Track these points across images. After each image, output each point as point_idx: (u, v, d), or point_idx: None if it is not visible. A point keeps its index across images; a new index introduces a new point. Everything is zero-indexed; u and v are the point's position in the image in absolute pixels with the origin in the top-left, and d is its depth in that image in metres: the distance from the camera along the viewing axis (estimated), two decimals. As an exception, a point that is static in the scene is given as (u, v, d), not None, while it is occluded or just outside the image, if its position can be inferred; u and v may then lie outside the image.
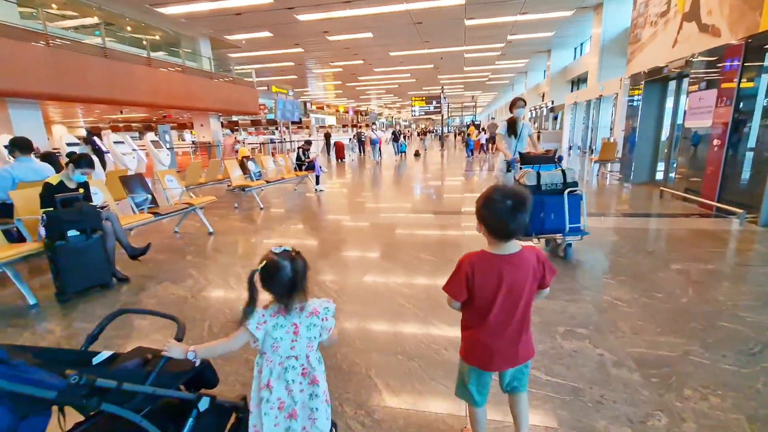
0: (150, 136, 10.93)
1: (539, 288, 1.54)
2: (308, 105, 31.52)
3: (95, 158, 5.63)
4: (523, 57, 23.34)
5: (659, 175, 8.24)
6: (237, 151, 8.93)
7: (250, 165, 7.53)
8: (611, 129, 13.31)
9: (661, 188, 7.01)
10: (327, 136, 21.49)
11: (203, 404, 1.45)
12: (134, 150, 10.31)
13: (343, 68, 24.28)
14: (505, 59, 23.32)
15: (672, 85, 7.85)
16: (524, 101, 5.18)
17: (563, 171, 4.27)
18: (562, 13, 16.27)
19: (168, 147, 12.22)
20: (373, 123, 17.29)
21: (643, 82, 8.14)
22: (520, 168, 4.68)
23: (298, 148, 9.23)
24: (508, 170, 5.02)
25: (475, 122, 22.22)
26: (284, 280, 1.39)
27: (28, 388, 1.08)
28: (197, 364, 1.45)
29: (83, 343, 1.47)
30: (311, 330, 1.46)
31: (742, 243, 4.67)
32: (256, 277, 1.39)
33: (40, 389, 1.10)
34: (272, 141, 21.09)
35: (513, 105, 5.13)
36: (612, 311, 3.07)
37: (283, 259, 1.40)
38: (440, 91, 21.12)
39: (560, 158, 4.72)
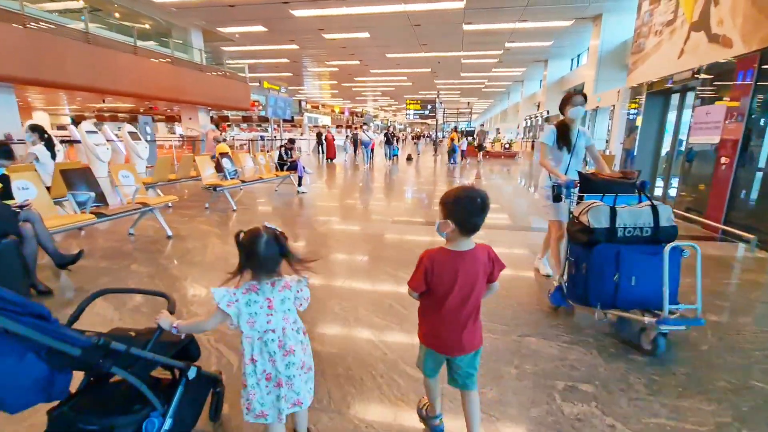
0: (128, 127, 10.18)
1: (488, 282, 1.66)
2: (303, 104, 30.85)
3: (43, 149, 4.95)
4: (520, 65, 22.95)
5: (658, 191, 7.77)
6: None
7: (225, 163, 6.88)
8: (607, 141, 12.86)
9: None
10: (319, 136, 20.84)
11: (192, 373, 1.56)
12: (110, 141, 9.56)
13: (339, 68, 23.67)
14: (502, 67, 22.91)
15: (675, 98, 7.38)
16: (585, 96, 3.47)
17: (653, 207, 2.63)
18: (561, 22, 15.89)
19: (149, 139, 11.48)
20: (365, 124, 16.13)
21: (644, 94, 7.67)
22: (579, 197, 3.01)
23: (280, 146, 8.58)
24: (558, 198, 3.12)
25: (458, 128, 21.50)
26: (258, 250, 1.45)
27: (61, 344, 1.20)
28: (182, 337, 1.58)
29: (66, 321, 1.48)
30: (285, 303, 1.55)
31: (757, 274, 4.15)
32: (243, 241, 1.48)
33: (70, 346, 1.21)
34: (262, 138, 20.35)
35: (567, 102, 3.42)
36: (621, 360, 2.50)
37: (265, 233, 1.48)
38: (435, 95, 20.60)
39: (645, 185, 2.86)
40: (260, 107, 22.65)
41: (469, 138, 20.00)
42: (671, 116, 7.41)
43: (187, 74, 16.90)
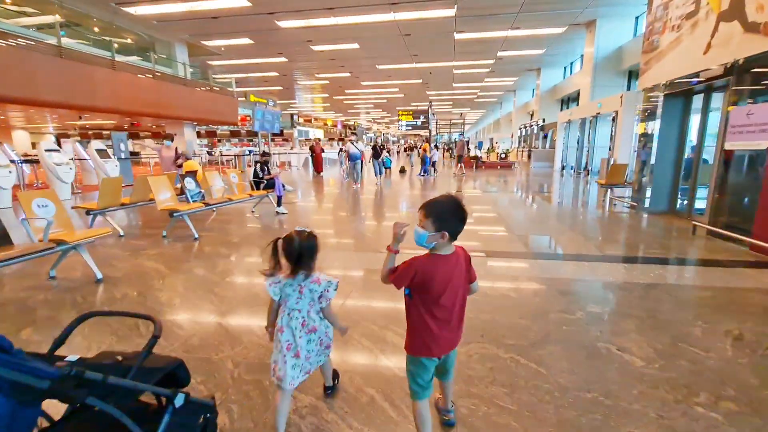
0: (95, 144, 9.08)
1: (471, 281, 1.75)
2: (295, 117, 29.91)
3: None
4: (512, 75, 22.17)
5: (683, 203, 6.74)
6: (181, 166, 7.13)
7: (187, 183, 5.78)
8: (610, 149, 11.90)
9: (694, 222, 5.46)
10: (312, 150, 19.62)
11: (179, 400, 1.43)
12: (82, 159, 8.43)
13: (329, 80, 22.79)
14: (494, 76, 22.13)
15: (697, 99, 6.40)
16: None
17: None
18: (554, 29, 15.11)
19: (121, 156, 10.37)
20: (354, 134, 14.69)
21: (662, 96, 6.69)
22: None
23: (255, 162, 7.45)
24: None
25: (429, 139, 20.06)
26: (293, 250, 1.79)
27: (25, 377, 1.09)
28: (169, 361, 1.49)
29: (49, 347, 1.41)
30: (312, 293, 1.86)
31: None
32: (280, 245, 1.81)
33: (35, 378, 1.10)
34: (251, 153, 19.25)
35: None
36: None
37: (298, 235, 1.81)
38: (428, 106, 19.69)
39: None
40: (251, 122, 21.63)
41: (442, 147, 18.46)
42: (694, 119, 6.42)
43: (171, 89, 15.86)
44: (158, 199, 5.36)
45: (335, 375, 2.24)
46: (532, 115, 24.51)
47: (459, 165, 17.31)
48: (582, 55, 18.40)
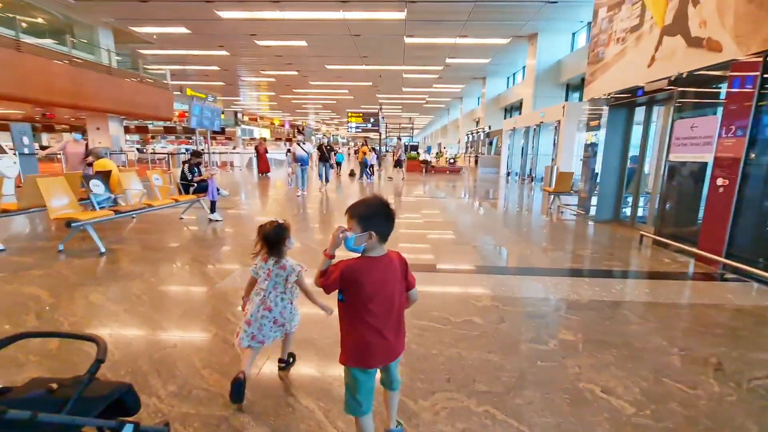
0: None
1: (409, 288, 1.63)
2: (239, 115, 28.14)
3: None
4: (459, 82, 22.45)
5: (626, 211, 6.82)
6: (91, 165, 5.92)
7: (93, 185, 4.73)
8: (554, 157, 12.19)
9: (641, 232, 5.44)
10: (256, 150, 18.36)
11: (127, 431, 1.27)
12: None
13: (276, 78, 21.62)
14: (442, 83, 22.27)
15: (639, 111, 6.50)
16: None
17: None
18: (499, 40, 15.38)
19: (26, 152, 8.74)
20: (300, 133, 13.05)
21: (606, 107, 6.73)
22: None
23: (184, 163, 6.43)
24: None
25: (367, 142, 19.17)
26: (266, 237, 2.11)
27: None
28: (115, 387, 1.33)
29: None
30: (278, 277, 2.16)
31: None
32: (257, 232, 2.13)
33: None
34: (188, 151, 17.53)
35: None
36: None
37: (270, 225, 2.11)
38: (378, 108, 19.27)
39: None
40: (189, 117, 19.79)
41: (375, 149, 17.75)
42: (636, 130, 6.51)
43: (92, 78, 13.98)
44: (51, 206, 4.25)
45: (291, 356, 2.43)
46: (477, 122, 25.04)
47: (396, 169, 16.63)
48: (524, 67, 19.02)
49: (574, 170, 9.77)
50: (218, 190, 6.34)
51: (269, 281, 2.15)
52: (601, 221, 6.80)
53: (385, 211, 1.52)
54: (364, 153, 15.71)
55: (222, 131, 24.85)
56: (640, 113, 6.46)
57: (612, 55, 6.49)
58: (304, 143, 10.45)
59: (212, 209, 6.32)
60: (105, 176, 5.42)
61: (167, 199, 5.76)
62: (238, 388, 1.97)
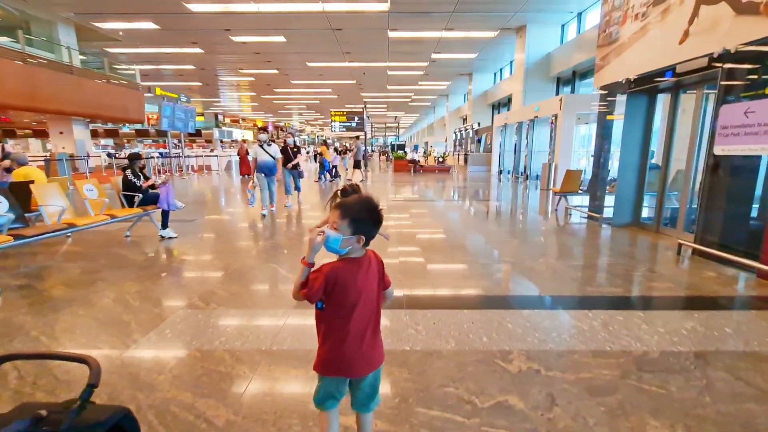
0: None
1: (385, 287, 1.49)
2: (220, 117, 26.62)
3: None
4: (445, 79, 21.43)
5: (647, 213, 5.83)
6: (10, 171, 4.67)
7: (-10, 203, 3.51)
8: (552, 153, 11.21)
9: (680, 241, 4.44)
10: (239, 152, 16.88)
11: None
12: None
13: (255, 77, 20.25)
14: (428, 80, 21.21)
15: (662, 98, 5.51)
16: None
17: None
18: (486, 33, 14.38)
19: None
20: (262, 130, 8.13)
21: (622, 95, 5.74)
22: None
23: (123, 169, 5.13)
24: None
25: (327, 141, 16.88)
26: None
27: None
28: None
29: None
30: None
31: None
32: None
33: None
34: (162, 155, 16.07)
35: None
36: None
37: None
38: (363, 107, 18.10)
39: None
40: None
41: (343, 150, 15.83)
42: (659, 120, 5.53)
43: (52, 78, 12.50)
44: None
45: None
46: (465, 120, 24.09)
47: (356, 170, 14.81)
48: (512, 62, 18.11)
49: (573, 167, 8.82)
50: (172, 201, 5.12)
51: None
52: (619, 225, 5.80)
53: (375, 215, 1.34)
54: (320, 154, 14.27)
55: (198, 133, 23.31)
56: (662, 101, 5.48)
57: (629, 34, 5.49)
58: (268, 144, 7.13)
59: (164, 223, 5.10)
60: (21, 189, 4.17)
61: (101, 216, 4.51)
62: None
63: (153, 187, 5.06)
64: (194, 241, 5.16)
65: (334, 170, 14.40)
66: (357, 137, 15.40)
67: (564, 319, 2.88)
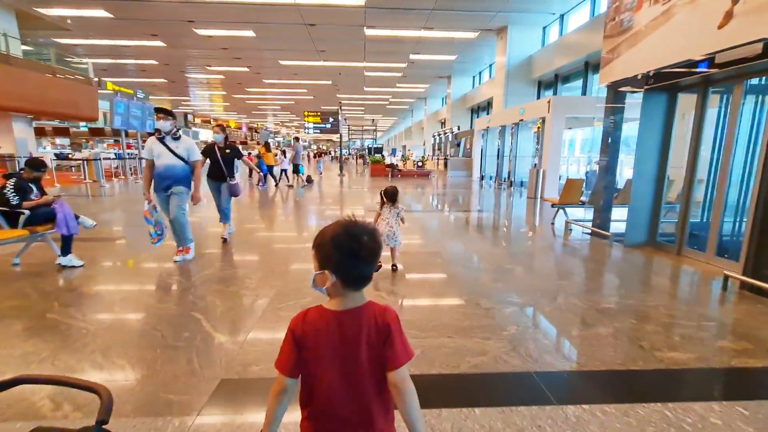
0: None
1: (390, 366, 0.90)
2: (189, 117, 24.65)
3: None
4: (424, 81, 20.45)
5: (665, 232, 4.88)
6: None
7: None
8: (539, 158, 10.30)
9: (726, 272, 3.47)
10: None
11: None
12: None
13: (225, 75, 18.63)
14: (406, 82, 20.18)
15: (683, 97, 4.59)
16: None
17: None
18: (466, 33, 13.45)
19: None
20: (165, 115, 3.87)
21: (636, 93, 4.80)
22: None
23: (6, 177, 3.64)
24: None
25: (268, 143, 14.83)
26: (388, 193, 3.81)
27: None
28: None
29: None
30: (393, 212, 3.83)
31: None
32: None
33: None
34: (119, 157, 14.19)
35: None
36: None
37: (391, 188, 3.85)
38: (338, 107, 16.84)
39: None
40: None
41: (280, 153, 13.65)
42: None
43: (-20, 67, 10.63)
44: None
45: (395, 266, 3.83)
46: (443, 123, 23.22)
47: (295, 176, 13.35)
48: (491, 65, 17.32)
49: (563, 174, 7.92)
50: (78, 218, 3.77)
51: (391, 215, 3.71)
52: (633, 245, 4.84)
53: (351, 245, 0.89)
54: (258, 156, 12.61)
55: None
56: (685, 100, 4.56)
57: (647, 20, 4.54)
58: (175, 136, 4.14)
59: (65, 249, 3.72)
60: None
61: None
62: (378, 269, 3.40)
63: (47, 204, 3.67)
64: (107, 273, 3.80)
65: (282, 174, 12.80)
66: (296, 138, 13.87)
67: (612, 424, 1.78)
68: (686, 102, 4.65)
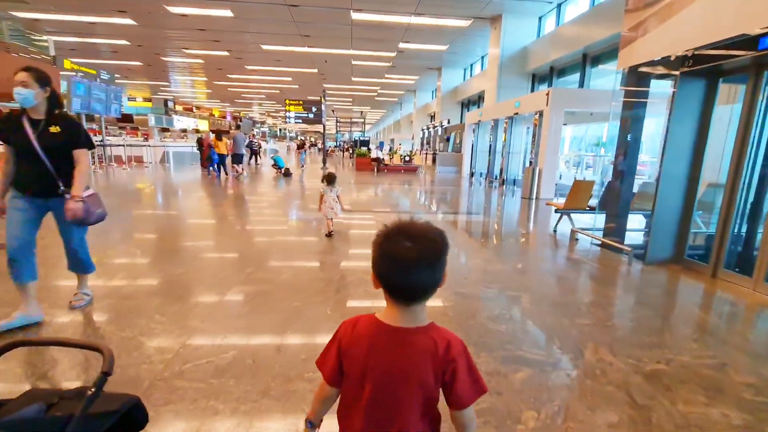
0: None
1: (454, 406, 0.79)
2: (170, 104, 23.02)
3: None
4: (413, 73, 19.29)
5: (695, 247, 3.94)
6: None
7: None
8: (531, 161, 9.31)
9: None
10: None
11: None
12: None
13: (204, 59, 17.16)
14: (395, 73, 18.99)
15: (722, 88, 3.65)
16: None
17: None
18: (459, 21, 12.34)
19: None
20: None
21: (662, 79, 3.85)
22: None
23: None
24: None
25: (220, 132, 12.88)
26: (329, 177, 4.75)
27: None
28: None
29: None
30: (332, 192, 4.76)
31: None
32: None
33: None
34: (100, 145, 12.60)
35: None
36: None
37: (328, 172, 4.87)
38: (321, 96, 15.60)
39: None
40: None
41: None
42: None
43: None
44: None
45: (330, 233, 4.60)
46: (432, 117, 22.17)
47: (234, 166, 12.08)
48: (483, 57, 16.28)
49: (560, 174, 6.99)
50: None
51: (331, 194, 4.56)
52: (655, 262, 3.93)
53: (390, 250, 0.75)
54: (210, 146, 11.61)
55: (128, 119, 19.62)
56: (724, 89, 3.62)
57: (681, -10, 3.58)
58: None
59: None
60: None
61: None
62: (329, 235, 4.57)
63: None
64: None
65: (222, 165, 11.81)
66: (237, 126, 12.66)
67: None
68: (727, 91, 3.71)
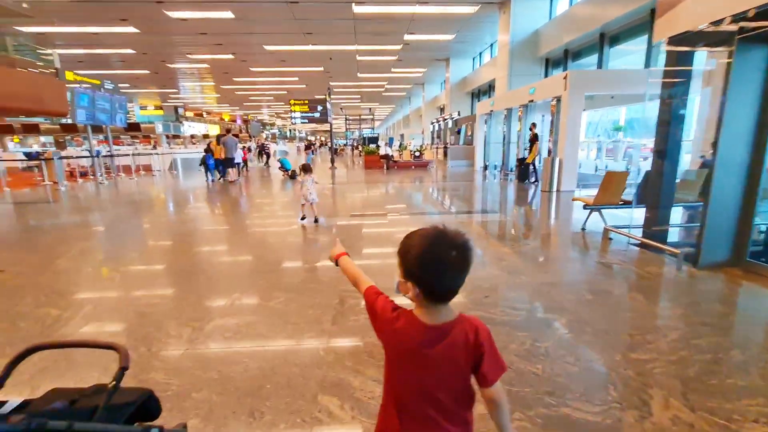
0: None
1: (481, 385, 0.88)
2: (180, 110, 22.94)
3: None
4: (420, 65, 18.59)
5: (758, 244, 3.26)
6: None
7: None
8: (550, 150, 8.57)
9: None
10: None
11: None
12: None
13: (209, 63, 16.90)
14: (401, 66, 18.34)
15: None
16: None
17: None
18: (465, 8, 11.60)
19: None
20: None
21: (711, 48, 3.17)
22: None
23: None
24: None
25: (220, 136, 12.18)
26: (305, 167, 5.66)
27: None
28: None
29: None
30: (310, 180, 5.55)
31: None
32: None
33: None
34: (98, 154, 12.44)
35: None
36: None
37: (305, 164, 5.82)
38: (326, 94, 15.09)
39: None
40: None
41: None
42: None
43: None
44: None
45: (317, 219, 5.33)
46: (442, 110, 21.41)
47: (229, 171, 11.65)
48: (492, 44, 15.45)
49: (580, 162, 6.32)
50: None
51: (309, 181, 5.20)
52: (708, 266, 3.29)
53: (437, 263, 0.80)
54: (212, 151, 11.39)
55: (136, 127, 19.48)
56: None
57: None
58: None
59: None
60: None
61: None
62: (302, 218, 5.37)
63: None
64: None
65: (221, 169, 11.53)
66: (228, 130, 12.26)
67: None
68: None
